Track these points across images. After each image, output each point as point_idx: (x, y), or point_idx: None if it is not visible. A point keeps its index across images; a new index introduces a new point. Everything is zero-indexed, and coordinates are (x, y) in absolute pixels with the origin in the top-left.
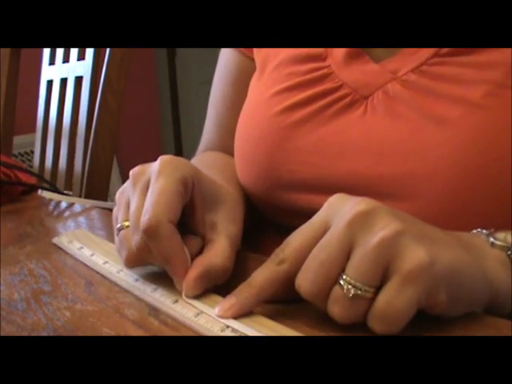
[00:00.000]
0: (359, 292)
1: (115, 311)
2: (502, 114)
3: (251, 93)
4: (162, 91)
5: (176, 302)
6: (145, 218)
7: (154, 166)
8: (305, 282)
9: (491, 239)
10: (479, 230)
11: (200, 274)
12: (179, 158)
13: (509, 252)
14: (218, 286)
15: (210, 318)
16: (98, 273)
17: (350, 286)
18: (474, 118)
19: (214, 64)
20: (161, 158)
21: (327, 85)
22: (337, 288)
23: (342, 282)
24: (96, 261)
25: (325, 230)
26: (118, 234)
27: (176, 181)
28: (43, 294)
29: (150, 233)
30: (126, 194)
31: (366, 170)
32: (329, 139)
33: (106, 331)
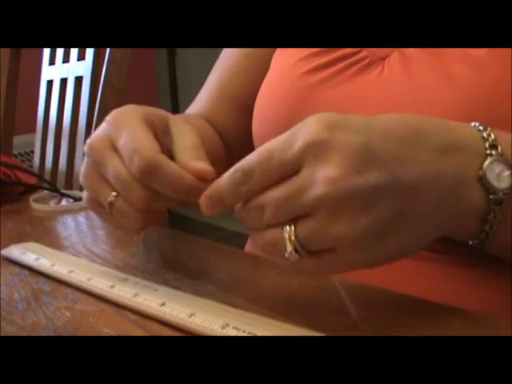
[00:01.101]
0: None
1: (115, 311)
2: (505, 68)
3: (274, 63)
4: (162, 91)
5: (163, 304)
6: (135, 163)
7: (109, 127)
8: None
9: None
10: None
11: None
12: (126, 108)
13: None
14: (215, 282)
15: (206, 317)
16: (63, 283)
17: (294, 251)
18: (477, 73)
19: (214, 64)
20: (107, 120)
21: (347, 49)
22: (279, 233)
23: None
24: (60, 270)
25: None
26: (113, 210)
27: (139, 121)
28: (43, 294)
29: (149, 170)
30: (92, 175)
31: None
32: (348, 95)
33: (106, 331)
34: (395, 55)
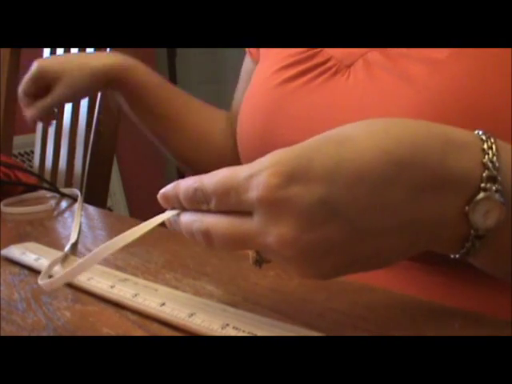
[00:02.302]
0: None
1: (115, 311)
2: (466, 72)
3: (254, 76)
4: None
5: (163, 304)
6: None
7: None
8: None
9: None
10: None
11: None
12: None
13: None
14: (215, 282)
15: (206, 317)
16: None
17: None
18: (438, 76)
19: (214, 64)
20: None
21: (317, 59)
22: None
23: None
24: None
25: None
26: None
27: None
28: (43, 294)
29: None
30: None
31: None
32: (317, 104)
33: (106, 331)
34: (359, 62)
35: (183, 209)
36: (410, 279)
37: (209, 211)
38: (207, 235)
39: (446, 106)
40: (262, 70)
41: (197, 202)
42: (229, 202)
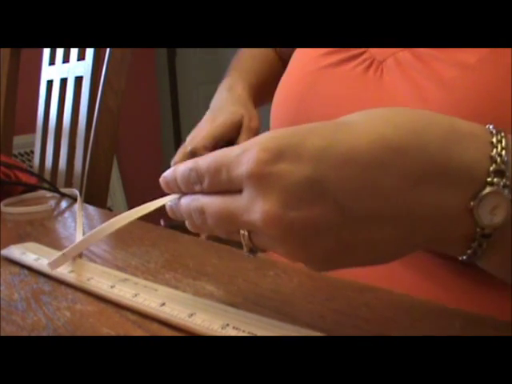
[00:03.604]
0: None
1: (115, 311)
2: (496, 76)
3: (294, 57)
4: (162, 91)
5: (163, 304)
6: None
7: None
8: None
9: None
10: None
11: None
12: None
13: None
14: (215, 282)
15: (206, 317)
16: (63, 283)
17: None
18: (467, 80)
19: (214, 64)
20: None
21: (354, 50)
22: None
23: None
24: (60, 270)
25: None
26: None
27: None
28: (43, 294)
29: None
30: None
31: None
32: (350, 97)
33: (106, 331)
34: (391, 60)
35: (183, 193)
36: (410, 279)
37: (203, 192)
38: (202, 213)
39: (477, 109)
40: (306, 53)
41: (192, 183)
42: (220, 180)
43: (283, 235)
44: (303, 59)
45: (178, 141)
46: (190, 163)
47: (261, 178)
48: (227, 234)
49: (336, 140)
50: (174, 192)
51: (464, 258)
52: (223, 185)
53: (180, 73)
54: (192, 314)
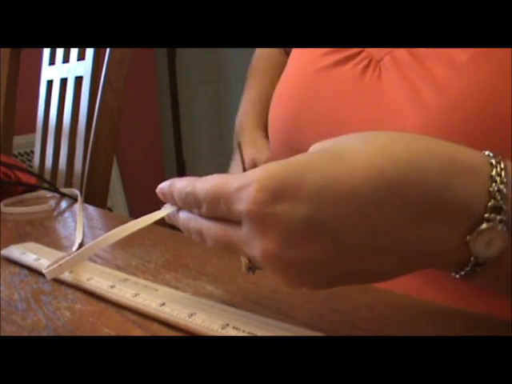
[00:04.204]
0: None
1: (115, 311)
2: (488, 74)
3: (293, 57)
4: (162, 91)
5: (163, 304)
6: None
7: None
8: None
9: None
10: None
11: None
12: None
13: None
14: (215, 282)
15: (206, 317)
16: (63, 283)
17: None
18: (460, 81)
19: (214, 64)
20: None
21: (352, 50)
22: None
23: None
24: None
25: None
26: None
27: None
28: (43, 294)
29: None
30: None
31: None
32: (348, 98)
33: (106, 331)
34: (388, 59)
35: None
36: (410, 280)
37: (201, 215)
38: (200, 235)
39: (468, 110)
40: (304, 53)
41: (189, 205)
42: (219, 210)
43: (282, 270)
44: (301, 59)
45: (178, 141)
46: (186, 184)
47: (259, 218)
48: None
49: (335, 177)
50: (171, 203)
51: (457, 276)
52: (222, 214)
53: (180, 73)
54: (192, 314)
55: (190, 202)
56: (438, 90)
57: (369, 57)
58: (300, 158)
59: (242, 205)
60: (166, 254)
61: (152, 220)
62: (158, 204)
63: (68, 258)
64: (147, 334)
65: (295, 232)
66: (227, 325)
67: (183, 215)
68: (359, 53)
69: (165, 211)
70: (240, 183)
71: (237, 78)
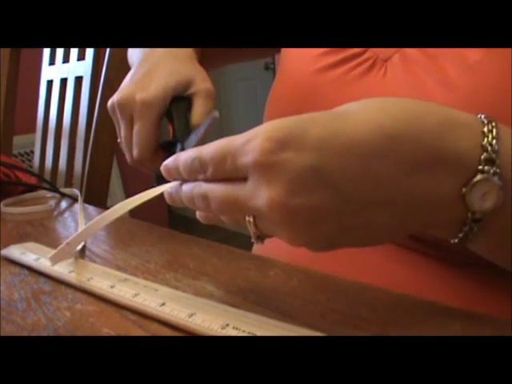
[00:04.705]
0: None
1: (115, 311)
2: (499, 72)
3: (290, 55)
4: None
5: (163, 304)
6: (134, 153)
7: (136, 106)
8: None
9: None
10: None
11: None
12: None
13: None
14: (215, 282)
15: (206, 317)
16: (63, 283)
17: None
18: (472, 78)
19: None
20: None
21: (355, 49)
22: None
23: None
24: (60, 270)
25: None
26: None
27: (151, 123)
28: (43, 294)
29: (138, 161)
30: (115, 115)
31: None
32: (353, 97)
33: (106, 331)
34: (396, 57)
35: (184, 181)
36: (410, 280)
37: (206, 180)
38: (205, 199)
39: (479, 107)
40: (304, 51)
41: (195, 172)
42: (225, 169)
43: (287, 220)
44: (300, 57)
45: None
46: (192, 152)
47: (266, 167)
48: (231, 219)
49: (336, 130)
50: (175, 179)
51: (455, 240)
52: (228, 173)
53: None
54: (192, 314)
55: (195, 168)
56: (448, 87)
57: (373, 57)
58: (304, 115)
59: (249, 156)
60: (165, 254)
61: (154, 194)
62: (157, 203)
63: (74, 235)
64: (147, 334)
65: (300, 180)
66: (227, 325)
67: (186, 187)
68: (363, 52)
69: (167, 185)
70: (246, 138)
71: (237, 78)
